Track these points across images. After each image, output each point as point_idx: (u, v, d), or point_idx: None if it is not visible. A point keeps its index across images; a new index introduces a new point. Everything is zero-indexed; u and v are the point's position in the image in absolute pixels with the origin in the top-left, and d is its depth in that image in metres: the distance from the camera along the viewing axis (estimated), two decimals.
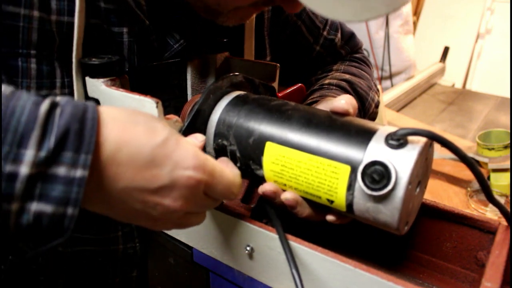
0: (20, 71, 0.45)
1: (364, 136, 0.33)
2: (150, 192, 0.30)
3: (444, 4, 2.25)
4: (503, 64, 2.00)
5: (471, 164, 0.33)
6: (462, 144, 1.00)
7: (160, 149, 0.30)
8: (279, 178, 0.37)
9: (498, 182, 0.82)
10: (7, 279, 0.59)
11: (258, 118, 0.38)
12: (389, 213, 0.32)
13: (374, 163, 0.31)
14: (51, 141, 0.26)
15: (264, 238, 0.38)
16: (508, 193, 0.80)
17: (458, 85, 2.06)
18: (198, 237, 0.45)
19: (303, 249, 0.36)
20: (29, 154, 0.25)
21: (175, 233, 0.48)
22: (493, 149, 0.81)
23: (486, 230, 0.40)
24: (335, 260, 0.34)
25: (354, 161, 0.33)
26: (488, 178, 0.84)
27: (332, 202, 0.34)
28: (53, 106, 0.27)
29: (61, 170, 0.26)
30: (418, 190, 0.35)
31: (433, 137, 0.32)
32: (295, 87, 0.59)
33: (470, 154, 0.87)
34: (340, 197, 0.34)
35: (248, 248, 0.40)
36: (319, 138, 0.35)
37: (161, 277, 0.57)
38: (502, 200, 0.81)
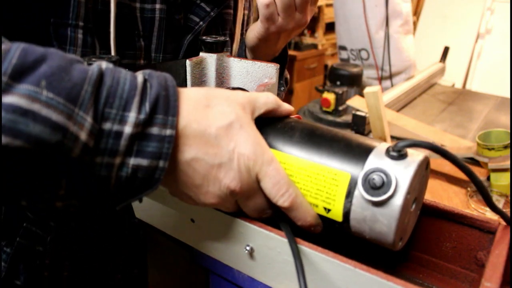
0: (68, 40, 0.51)
1: (365, 147, 0.34)
2: (211, 167, 0.33)
3: (444, 4, 2.25)
4: (503, 64, 2.00)
5: (470, 173, 0.34)
6: (462, 144, 1.00)
7: (224, 131, 0.33)
8: None
9: (498, 182, 0.82)
10: (13, 262, 0.60)
11: (261, 126, 0.38)
12: (386, 222, 0.32)
13: (375, 170, 0.32)
14: (147, 106, 0.30)
15: (264, 238, 0.38)
16: (508, 193, 0.80)
17: (458, 85, 2.06)
18: (198, 237, 0.45)
19: (303, 249, 0.36)
20: (132, 116, 0.29)
21: (175, 233, 0.48)
22: (493, 149, 0.81)
23: (486, 230, 0.40)
24: (335, 260, 0.34)
25: (355, 169, 0.33)
26: (488, 178, 0.84)
27: (328, 210, 0.35)
28: (145, 77, 0.32)
29: (155, 130, 0.30)
30: (414, 206, 0.35)
31: (432, 148, 0.33)
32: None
33: (470, 154, 0.87)
34: (338, 205, 0.34)
35: (248, 248, 0.40)
36: (321, 147, 0.36)
37: (161, 277, 0.57)
38: (502, 200, 0.80)
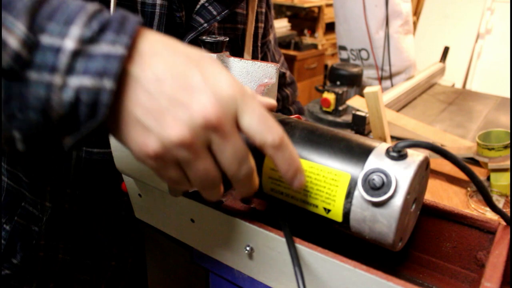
0: None
1: (365, 148, 0.34)
2: (180, 88, 0.28)
3: (444, 4, 2.25)
4: (503, 64, 2.00)
5: (471, 173, 0.34)
6: (462, 144, 1.00)
7: (201, 56, 0.29)
8: (276, 186, 0.37)
9: (498, 182, 0.82)
10: (11, 241, 0.61)
11: None
12: (386, 222, 0.32)
13: (375, 170, 0.32)
14: (94, 24, 0.27)
15: (264, 238, 0.38)
16: (508, 193, 0.80)
17: (458, 85, 2.06)
18: (198, 237, 0.45)
19: (302, 249, 0.36)
20: (74, 30, 0.26)
21: (175, 233, 0.48)
22: (493, 149, 0.81)
23: (486, 230, 0.40)
24: (335, 260, 0.34)
25: (355, 169, 0.33)
26: (488, 178, 0.84)
27: (328, 211, 0.35)
28: (101, 8, 0.29)
29: (103, 48, 0.27)
30: (413, 207, 0.35)
31: (432, 149, 0.33)
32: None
33: (470, 154, 0.87)
34: (337, 205, 0.34)
35: (248, 248, 0.40)
36: (321, 147, 0.36)
37: (161, 277, 0.57)
38: (502, 200, 0.80)
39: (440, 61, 1.83)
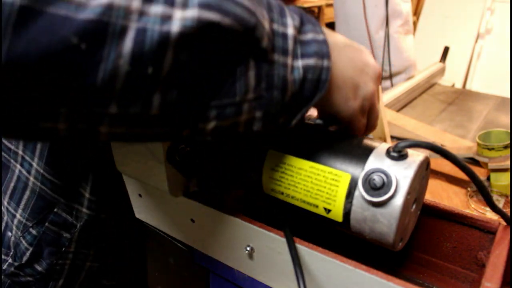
0: None
1: (366, 148, 0.34)
2: (359, 68, 0.38)
3: (444, 4, 2.25)
4: (503, 64, 2.00)
5: (471, 173, 0.34)
6: (462, 144, 1.00)
7: (365, 54, 0.40)
8: (277, 186, 0.37)
9: (498, 182, 0.81)
10: (38, 246, 0.60)
11: None
12: (386, 222, 0.32)
13: (375, 170, 0.32)
14: (295, 17, 0.32)
15: (264, 238, 0.38)
16: (508, 193, 0.80)
17: (458, 85, 2.06)
18: (198, 237, 0.45)
19: (303, 249, 0.36)
20: (289, 21, 0.31)
21: (175, 233, 0.48)
22: (493, 149, 0.81)
23: (486, 230, 0.40)
24: (335, 260, 0.34)
25: (355, 169, 0.33)
26: (488, 178, 0.84)
27: (329, 211, 0.35)
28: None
29: (310, 35, 0.32)
30: (414, 207, 0.35)
31: (433, 149, 0.32)
32: None
33: (470, 154, 0.87)
34: (338, 205, 0.34)
35: (248, 248, 0.40)
36: (322, 148, 0.36)
37: (161, 277, 0.57)
38: (502, 200, 0.80)
39: (440, 61, 1.83)
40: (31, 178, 0.60)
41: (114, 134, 0.26)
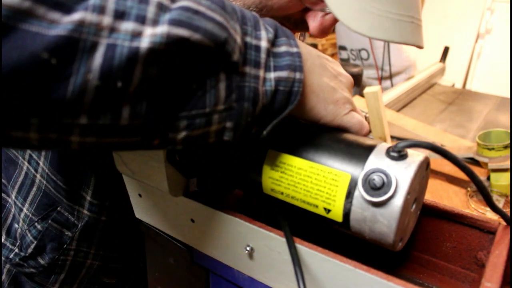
0: None
1: (365, 148, 0.34)
2: (333, 75, 0.39)
3: (444, 4, 2.25)
4: (503, 64, 2.00)
5: (471, 173, 0.34)
6: (462, 144, 1.00)
7: (337, 65, 0.41)
8: (276, 186, 0.37)
9: (498, 182, 0.82)
10: (42, 241, 0.62)
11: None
12: (386, 222, 0.32)
13: (375, 170, 0.32)
14: (270, 29, 0.33)
15: (264, 238, 0.38)
16: (508, 193, 0.80)
17: (458, 85, 2.06)
18: (198, 237, 0.45)
19: (303, 249, 0.36)
20: (263, 34, 0.32)
21: (175, 233, 0.48)
22: (493, 149, 0.81)
23: (486, 230, 0.40)
24: (335, 260, 0.34)
25: (355, 169, 0.33)
26: (488, 178, 0.84)
27: (329, 211, 0.35)
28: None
29: (283, 48, 0.33)
30: (414, 207, 0.35)
31: (433, 149, 0.32)
32: None
33: (470, 154, 0.87)
34: (338, 206, 0.34)
35: (248, 248, 0.40)
36: (321, 147, 0.36)
37: (161, 277, 0.57)
38: (502, 200, 0.80)
39: (440, 61, 1.83)
40: (38, 176, 0.62)
41: (85, 144, 0.26)
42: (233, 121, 0.31)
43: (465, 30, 2.17)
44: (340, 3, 0.44)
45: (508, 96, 1.55)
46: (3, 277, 0.66)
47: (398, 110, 1.35)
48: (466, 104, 1.47)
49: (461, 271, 0.42)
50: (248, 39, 0.31)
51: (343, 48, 1.89)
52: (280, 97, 0.33)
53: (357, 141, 0.36)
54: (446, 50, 1.81)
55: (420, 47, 0.50)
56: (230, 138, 0.32)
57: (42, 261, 0.63)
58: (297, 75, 0.33)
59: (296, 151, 0.36)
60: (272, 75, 0.32)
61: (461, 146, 0.96)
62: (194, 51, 0.27)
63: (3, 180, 0.65)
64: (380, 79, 1.79)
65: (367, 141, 0.36)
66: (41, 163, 0.61)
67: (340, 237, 0.46)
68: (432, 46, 2.11)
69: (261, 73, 0.31)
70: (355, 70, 1.49)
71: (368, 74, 1.81)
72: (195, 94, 0.28)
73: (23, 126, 0.24)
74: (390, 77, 1.72)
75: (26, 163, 0.62)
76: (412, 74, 1.72)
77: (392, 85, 1.69)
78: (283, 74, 0.32)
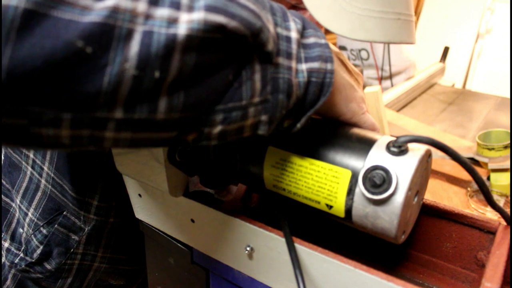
0: None
1: (365, 143, 0.34)
2: (350, 72, 0.39)
3: (444, 4, 2.24)
4: (503, 64, 2.00)
5: (472, 170, 0.34)
6: (462, 144, 1.00)
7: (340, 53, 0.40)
8: (278, 182, 0.37)
9: (498, 182, 0.81)
10: (48, 246, 0.62)
11: None
12: (388, 218, 0.32)
13: (375, 167, 0.32)
14: (298, 20, 0.32)
15: (264, 238, 0.38)
16: (508, 193, 0.80)
17: (458, 85, 2.06)
18: (198, 237, 0.45)
19: (303, 249, 0.36)
20: (292, 25, 0.31)
21: (175, 233, 0.48)
22: (493, 149, 0.81)
23: (486, 230, 0.40)
24: (335, 260, 0.34)
25: (356, 166, 0.33)
26: (488, 178, 0.84)
27: (331, 207, 0.34)
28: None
29: (312, 39, 0.32)
30: (416, 199, 0.35)
31: (433, 144, 0.32)
32: None
33: (470, 154, 0.87)
34: (339, 202, 0.34)
35: (248, 248, 0.40)
36: (321, 144, 0.35)
37: (161, 277, 0.57)
38: (502, 200, 0.80)
39: (440, 61, 1.83)
40: (43, 180, 0.61)
41: (119, 140, 0.25)
42: (268, 114, 0.30)
43: (465, 30, 2.17)
44: (319, 5, 0.43)
45: (508, 96, 1.55)
46: (9, 282, 0.65)
47: (398, 110, 1.35)
48: (466, 104, 1.47)
49: (461, 271, 0.42)
50: (278, 29, 0.30)
51: (343, 48, 1.89)
52: (313, 89, 0.32)
53: (357, 136, 0.35)
54: (446, 50, 1.81)
55: (410, 43, 0.49)
56: (265, 132, 0.31)
57: (49, 266, 0.63)
58: (329, 66, 0.32)
59: (296, 148, 0.36)
60: (304, 66, 0.31)
61: (461, 146, 0.95)
62: (231, 39, 0.26)
63: (7, 185, 0.64)
64: (380, 79, 1.78)
65: (368, 134, 0.36)
66: (45, 168, 0.61)
67: (341, 234, 0.46)
68: (432, 46, 2.11)
69: (293, 64, 0.31)
70: None
71: (368, 74, 1.81)
72: (232, 86, 0.27)
73: (55, 122, 0.22)
74: (390, 77, 1.72)
75: (29, 168, 0.61)
76: (412, 74, 1.72)
77: (392, 85, 1.68)
78: (314, 65, 0.32)
